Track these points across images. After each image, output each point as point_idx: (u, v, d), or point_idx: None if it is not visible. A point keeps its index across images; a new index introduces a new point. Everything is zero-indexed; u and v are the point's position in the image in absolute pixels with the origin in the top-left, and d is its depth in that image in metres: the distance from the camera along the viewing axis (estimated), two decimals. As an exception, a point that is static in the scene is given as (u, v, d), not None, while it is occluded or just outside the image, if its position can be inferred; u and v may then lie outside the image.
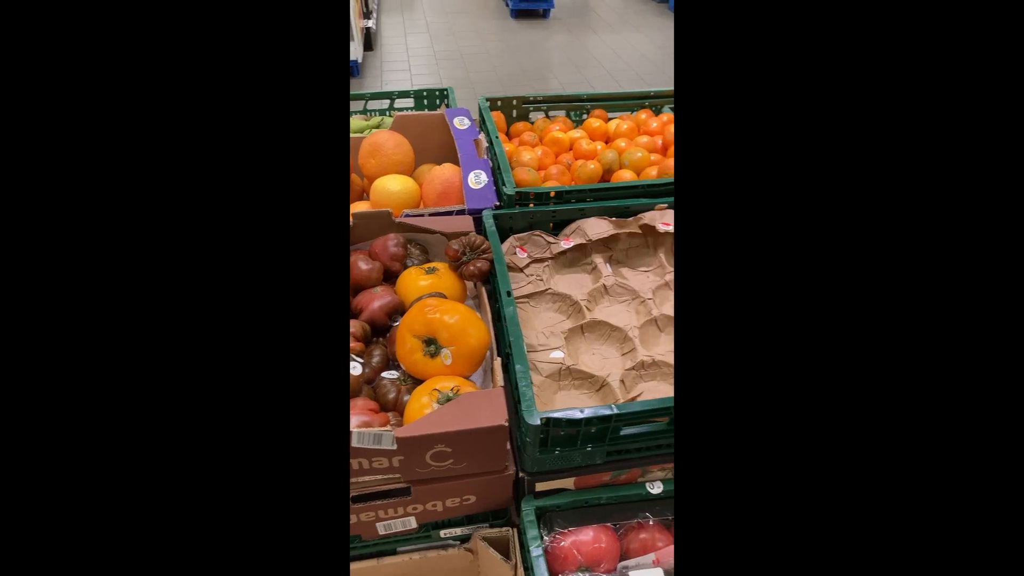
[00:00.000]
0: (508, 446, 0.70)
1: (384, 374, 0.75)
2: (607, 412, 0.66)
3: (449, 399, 0.66)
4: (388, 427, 0.60)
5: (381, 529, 0.72)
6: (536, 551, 0.68)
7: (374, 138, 1.17)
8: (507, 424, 0.63)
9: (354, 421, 0.64)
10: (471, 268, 0.84)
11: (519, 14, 4.85)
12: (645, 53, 4.22)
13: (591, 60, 4.10)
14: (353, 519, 0.69)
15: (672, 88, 1.37)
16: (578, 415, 0.65)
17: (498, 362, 0.72)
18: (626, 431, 0.70)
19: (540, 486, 0.74)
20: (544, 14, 4.87)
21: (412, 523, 0.72)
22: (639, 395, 0.78)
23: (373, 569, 0.75)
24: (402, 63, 4.01)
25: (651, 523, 0.73)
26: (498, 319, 0.81)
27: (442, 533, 0.75)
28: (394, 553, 0.75)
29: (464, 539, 0.76)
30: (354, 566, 0.74)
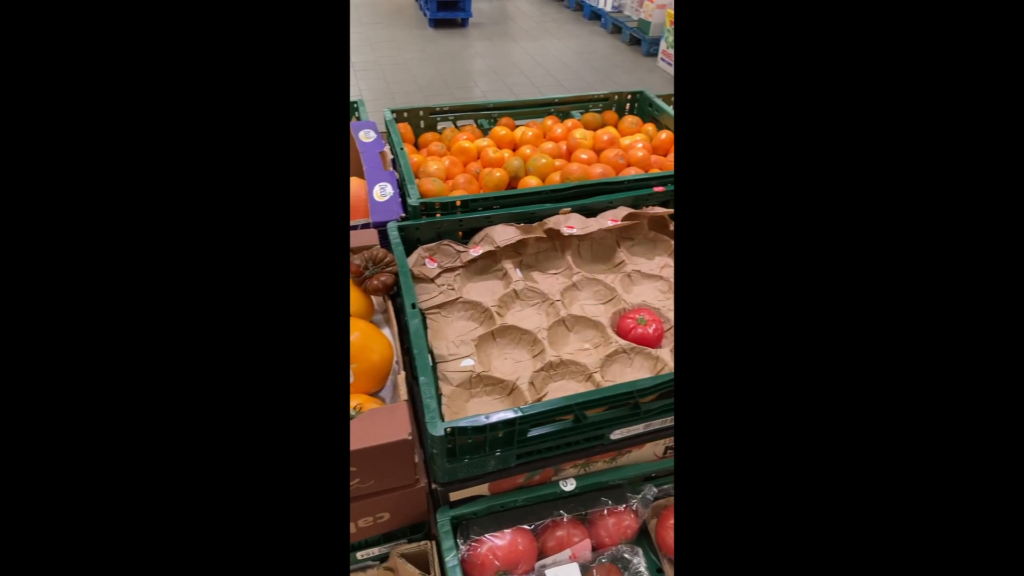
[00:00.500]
0: (417, 459, 0.70)
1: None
2: (512, 415, 0.67)
3: (351, 417, 0.65)
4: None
5: (292, 558, 0.69)
6: (452, 561, 0.68)
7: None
8: (411, 437, 0.63)
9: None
10: (375, 282, 0.84)
11: (437, 23, 4.86)
12: (564, 59, 4.33)
13: (511, 68, 4.16)
14: (260, 552, 0.67)
15: (577, 95, 1.42)
16: (482, 421, 0.66)
17: (402, 376, 0.72)
18: (534, 432, 0.71)
19: (454, 495, 0.74)
20: (463, 23, 4.91)
21: (325, 548, 0.70)
22: (547, 396, 0.80)
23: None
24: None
25: (566, 520, 0.75)
26: (406, 332, 0.81)
27: (359, 555, 0.74)
28: (310, 581, 0.73)
29: (383, 558, 0.75)
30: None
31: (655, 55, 4.30)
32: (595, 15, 5.12)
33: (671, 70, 4.05)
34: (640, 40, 4.40)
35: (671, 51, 4.05)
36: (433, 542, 0.74)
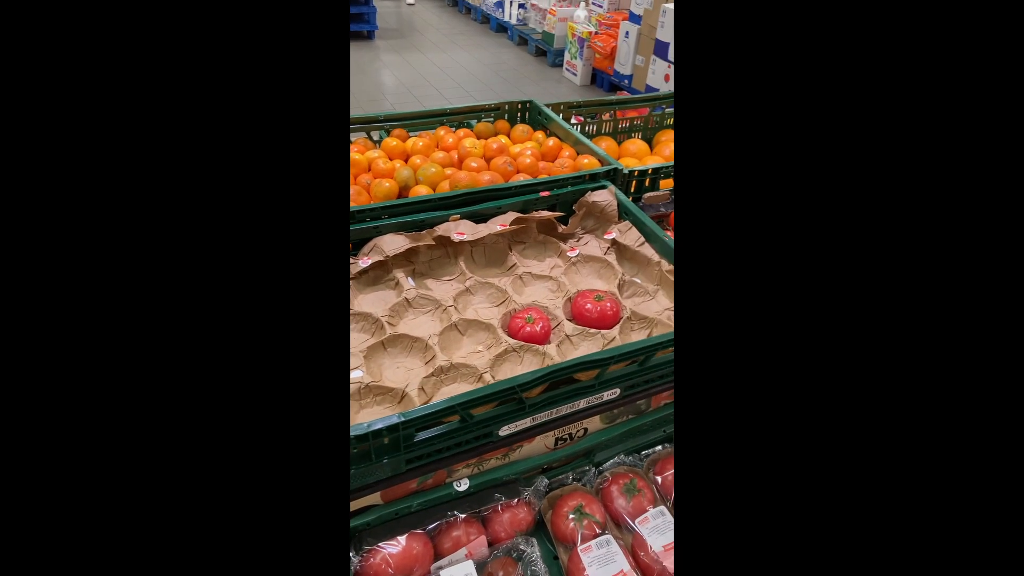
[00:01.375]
0: (302, 475, 0.69)
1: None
2: (395, 420, 0.68)
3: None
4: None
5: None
6: (343, 575, 0.68)
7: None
8: (288, 453, 0.62)
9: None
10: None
11: (343, 36, 4.77)
12: (472, 71, 4.39)
13: (419, 79, 4.17)
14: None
15: (469, 105, 1.45)
16: (364, 429, 0.66)
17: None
18: (421, 435, 0.72)
19: (345, 508, 0.73)
20: (369, 35, 4.86)
21: None
22: (435, 399, 0.81)
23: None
24: (217, 90, 3.73)
25: (461, 519, 0.76)
26: (289, 348, 0.79)
27: (247, 581, 0.71)
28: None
29: (274, 582, 0.73)
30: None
31: (560, 66, 4.45)
32: (501, 27, 5.23)
33: (576, 79, 4.22)
34: (546, 51, 4.54)
35: (575, 62, 4.22)
36: (327, 558, 0.73)
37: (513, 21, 4.92)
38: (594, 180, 1.18)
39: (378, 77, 4.18)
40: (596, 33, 4.00)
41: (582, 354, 0.91)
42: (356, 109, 3.62)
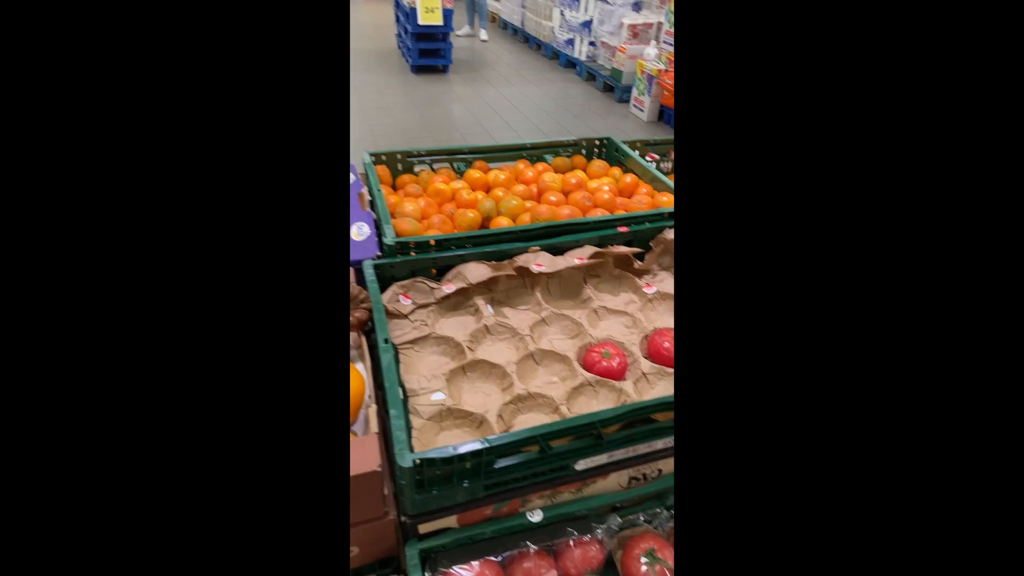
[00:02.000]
0: (387, 491, 0.72)
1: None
2: (479, 446, 0.69)
3: (321, 450, 0.67)
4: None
5: (259, 595, 0.69)
6: (419, 594, 0.69)
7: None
8: (379, 469, 0.65)
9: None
10: (350, 319, 0.86)
11: (419, 70, 5.02)
12: (541, 105, 4.50)
13: (490, 112, 4.31)
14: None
15: (548, 140, 1.49)
16: (450, 452, 0.68)
17: (372, 409, 0.74)
18: (501, 463, 0.73)
19: (423, 527, 0.75)
20: (443, 69, 5.09)
21: (292, 584, 0.71)
22: (514, 427, 0.82)
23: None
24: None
25: (533, 551, 0.77)
26: (378, 367, 0.83)
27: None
28: (277, 619, 0.73)
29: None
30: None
31: (627, 102, 4.50)
32: (570, 63, 5.36)
33: (643, 116, 4.24)
34: (613, 87, 4.61)
35: (642, 98, 4.25)
36: (402, 576, 0.75)
37: (582, 57, 5.03)
38: (672, 218, 1.19)
39: (450, 108, 4.35)
40: (665, 71, 4.03)
41: (658, 394, 0.90)
42: (427, 139, 3.79)
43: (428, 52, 4.91)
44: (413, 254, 1.05)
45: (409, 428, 0.79)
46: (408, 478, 0.68)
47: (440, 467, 0.69)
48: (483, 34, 6.42)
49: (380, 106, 4.29)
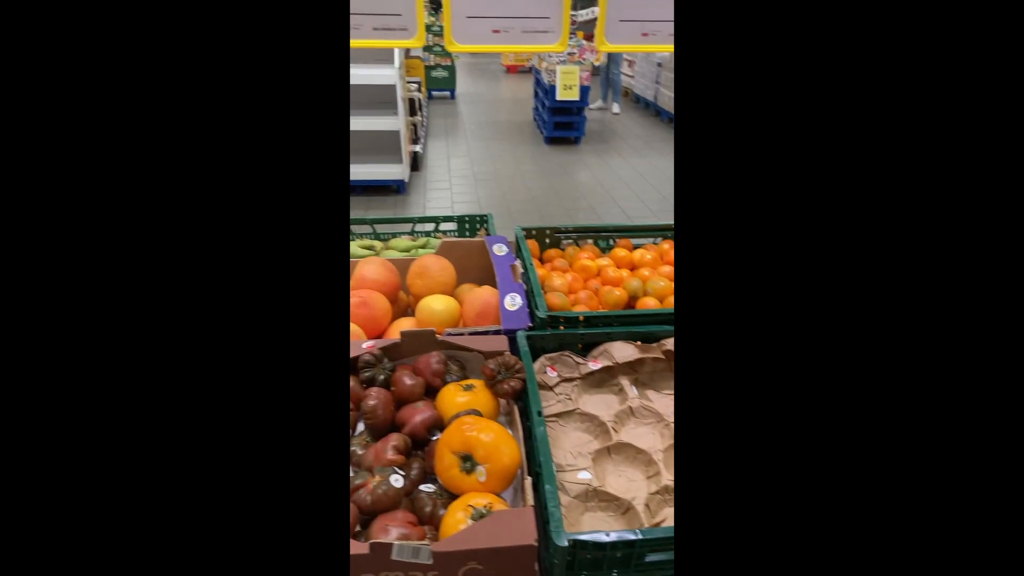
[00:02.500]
0: (536, 567, 0.73)
1: (422, 487, 0.80)
2: (632, 537, 0.69)
3: (483, 515, 0.70)
4: (425, 541, 0.65)
5: (408, 648, 0.73)
6: None
7: (422, 261, 1.31)
8: (536, 544, 0.67)
9: (394, 533, 0.68)
10: (505, 387, 0.92)
11: (552, 140, 5.31)
12: (668, 176, 4.51)
13: (619, 182, 4.41)
14: (383, 635, 0.71)
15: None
16: (604, 539, 0.68)
17: (528, 481, 0.77)
18: (650, 558, 0.72)
19: (566, 611, 0.74)
20: (576, 140, 5.33)
21: (439, 643, 0.73)
22: (663, 520, 0.80)
23: None
24: (444, 182, 4.39)
25: (678, 659, 0.72)
26: (529, 437, 0.87)
27: (467, 657, 0.75)
28: (418, 676, 0.75)
29: (489, 665, 0.76)
30: None
31: (763, 176, 4.36)
32: (702, 137, 5.34)
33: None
34: (748, 161, 4.51)
35: (781, 173, 4.09)
36: (540, 658, 0.74)
37: (716, 131, 5.01)
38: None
39: (579, 177, 4.52)
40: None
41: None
42: (554, 206, 3.94)
43: (562, 125, 5.18)
44: (562, 328, 1.09)
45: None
46: (561, 558, 0.69)
47: (592, 551, 0.69)
48: (615, 107, 6.66)
49: (514, 173, 4.58)
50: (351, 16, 0.83)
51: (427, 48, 6.48)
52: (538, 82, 5.62)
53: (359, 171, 3.85)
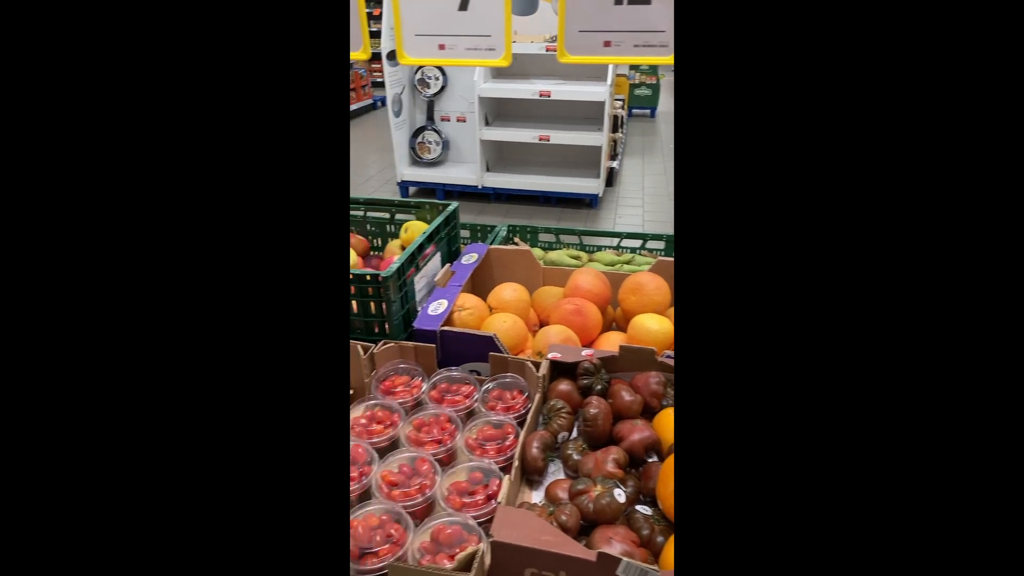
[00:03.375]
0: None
1: (638, 507, 0.79)
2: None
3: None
4: (654, 567, 0.63)
5: (610, 668, 0.71)
6: None
7: (637, 278, 1.30)
8: None
9: (618, 547, 0.68)
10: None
11: (759, 164, 4.92)
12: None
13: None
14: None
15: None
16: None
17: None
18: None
19: None
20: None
21: (642, 674, 0.70)
22: None
23: None
24: (636, 199, 4.34)
25: None
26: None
27: None
28: None
29: None
30: None
31: None
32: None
33: None
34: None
35: None
36: None
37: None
38: None
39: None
40: None
41: None
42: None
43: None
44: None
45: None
46: None
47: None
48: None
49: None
50: (445, 37, 0.91)
51: (633, 67, 6.49)
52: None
53: (556, 183, 3.99)
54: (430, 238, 1.25)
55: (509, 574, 0.68)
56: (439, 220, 1.30)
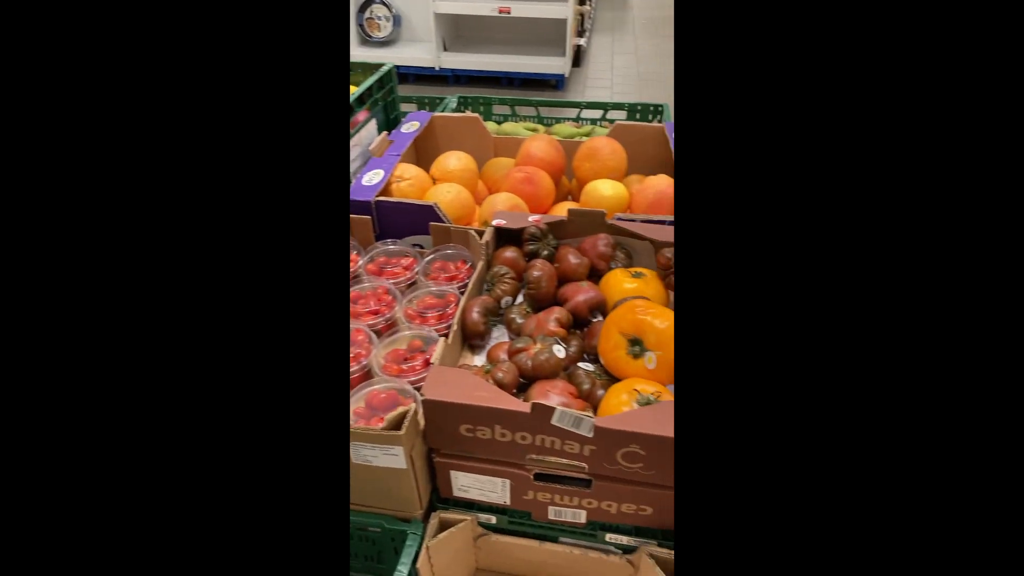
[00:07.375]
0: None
1: (580, 364, 0.77)
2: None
3: (649, 402, 0.65)
4: (588, 413, 0.61)
5: (551, 514, 0.73)
6: None
7: (592, 143, 1.21)
8: (708, 442, 0.60)
9: (555, 399, 0.66)
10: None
11: (734, 39, 4.65)
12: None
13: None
14: (529, 495, 0.71)
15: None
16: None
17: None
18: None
19: (723, 519, 0.69)
20: (763, 40, 4.60)
21: (582, 517, 0.72)
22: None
23: (532, 549, 0.77)
24: (605, 80, 4.09)
25: None
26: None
27: (608, 537, 0.74)
28: (556, 541, 0.76)
29: (629, 550, 0.74)
30: (515, 541, 0.77)
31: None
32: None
33: None
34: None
35: None
36: (685, 557, 0.71)
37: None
38: None
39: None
40: None
41: None
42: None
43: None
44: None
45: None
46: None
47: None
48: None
49: (684, 75, 4.11)
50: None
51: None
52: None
53: (518, 62, 3.71)
54: (360, 100, 1.12)
55: (444, 432, 0.67)
56: (371, 81, 1.16)
